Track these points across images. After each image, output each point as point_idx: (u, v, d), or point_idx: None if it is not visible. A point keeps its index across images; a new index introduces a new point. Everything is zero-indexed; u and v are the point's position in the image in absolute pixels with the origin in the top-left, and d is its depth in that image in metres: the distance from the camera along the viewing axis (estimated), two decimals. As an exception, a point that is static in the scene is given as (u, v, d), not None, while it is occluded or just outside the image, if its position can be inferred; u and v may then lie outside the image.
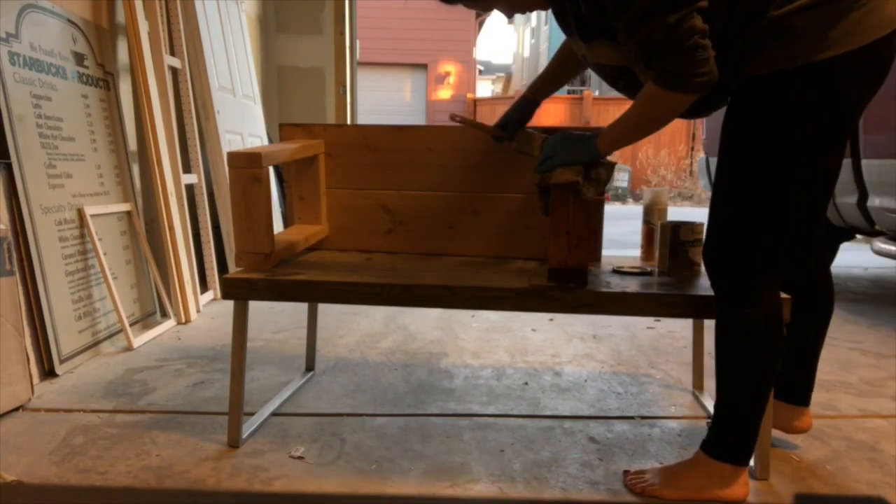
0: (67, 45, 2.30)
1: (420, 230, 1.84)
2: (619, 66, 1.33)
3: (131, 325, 2.43)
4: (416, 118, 14.61)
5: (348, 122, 4.79)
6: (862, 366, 2.25)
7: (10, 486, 1.38)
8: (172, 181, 2.72)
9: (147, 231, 2.73)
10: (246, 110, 3.57)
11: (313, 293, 1.52)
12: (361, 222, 1.87)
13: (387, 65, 14.36)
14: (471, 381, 2.06)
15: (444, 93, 14.63)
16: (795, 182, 1.23)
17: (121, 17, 2.66)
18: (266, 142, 3.88)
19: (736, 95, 1.27)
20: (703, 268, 1.58)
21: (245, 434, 1.61)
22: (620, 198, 11.59)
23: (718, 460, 1.34)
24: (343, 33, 4.56)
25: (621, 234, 6.22)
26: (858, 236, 3.35)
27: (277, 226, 3.19)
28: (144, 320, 2.57)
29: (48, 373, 2.02)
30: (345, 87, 4.63)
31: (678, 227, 1.61)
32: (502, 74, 26.22)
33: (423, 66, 14.65)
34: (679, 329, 2.69)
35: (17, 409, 1.76)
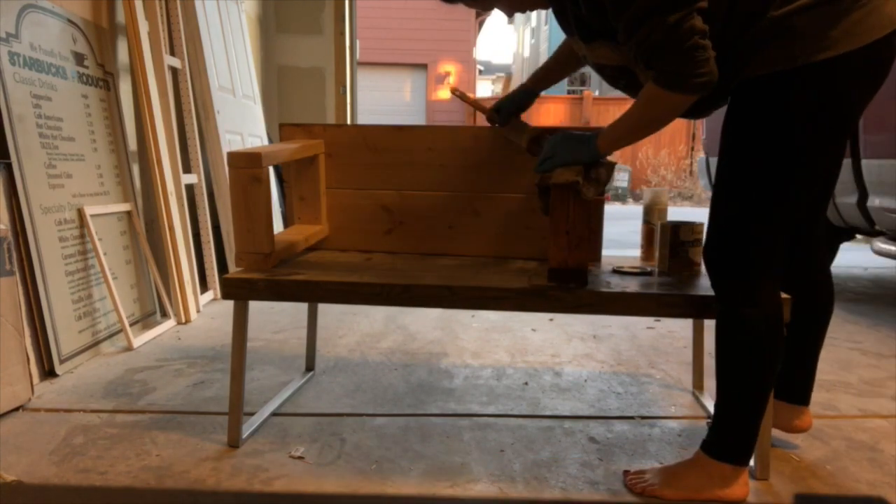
0: (67, 45, 2.30)
1: (420, 230, 1.84)
2: (619, 67, 1.33)
3: (131, 325, 2.43)
4: (416, 118, 14.60)
5: (348, 122, 4.79)
6: (862, 366, 2.25)
7: (10, 486, 1.38)
8: (172, 181, 2.72)
9: (147, 231, 2.73)
10: (246, 110, 3.58)
11: (313, 293, 1.52)
12: (361, 222, 1.87)
13: (387, 65, 14.35)
14: (471, 381, 2.06)
15: (444, 93, 14.62)
16: (795, 182, 1.23)
17: (121, 17, 2.66)
18: (266, 142, 3.88)
19: (736, 95, 1.27)
20: (703, 268, 1.58)
21: (245, 434, 1.61)
22: (620, 198, 11.59)
23: (718, 460, 1.34)
24: (343, 33, 4.56)
25: (621, 234, 6.22)
26: (858, 236, 3.35)
27: (277, 226, 3.19)
28: (144, 320, 2.57)
29: (48, 373, 2.02)
30: (345, 87, 4.63)
31: (678, 227, 1.61)
32: (502, 74, 26.22)
33: (423, 66, 14.64)
34: (679, 329, 2.69)
35: (17, 409, 1.76)
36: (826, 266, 1.55)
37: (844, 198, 2.84)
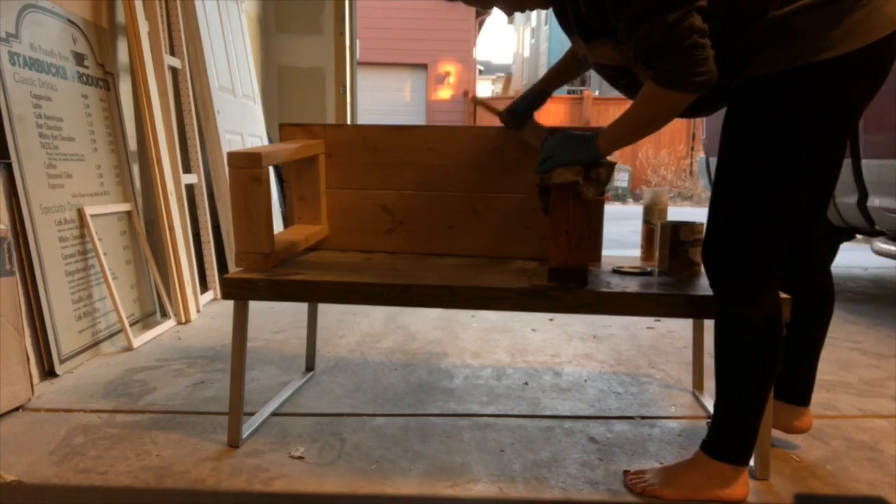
0: (67, 45, 2.30)
1: (420, 230, 1.84)
2: (619, 66, 1.33)
3: (131, 325, 2.43)
4: (416, 118, 14.60)
5: (348, 122, 4.79)
6: (862, 366, 2.25)
7: (10, 486, 1.38)
8: (172, 181, 2.72)
9: (147, 231, 2.73)
10: (246, 110, 3.58)
11: (313, 293, 1.52)
12: (361, 222, 1.87)
13: (387, 65, 14.35)
14: (471, 381, 2.06)
15: (444, 93, 14.63)
16: (795, 182, 1.23)
17: (121, 17, 2.66)
18: (266, 142, 3.88)
19: (736, 95, 1.27)
20: (703, 268, 1.58)
21: (245, 434, 1.61)
22: (620, 198, 11.59)
23: (718, 460, 1.34)
24: (343, 33, 4.56)
25: (621, 234, 6.22)
26: (858, 236, 3.35)
27: (277, 226, 3.19)
28: (144, 320, 2.57)
29: (48, 373, 2.02)
30: (345, 87, 4.63)
31: (678, 227, 1.61)
32: (502, 74, 26.22)
33: (423, 66, 14.64)
34: (679, 329, 2.69)
35: (17, 409, 1.76)
36: (826, 266, 1.55)
37: (844, 198, 2.84)
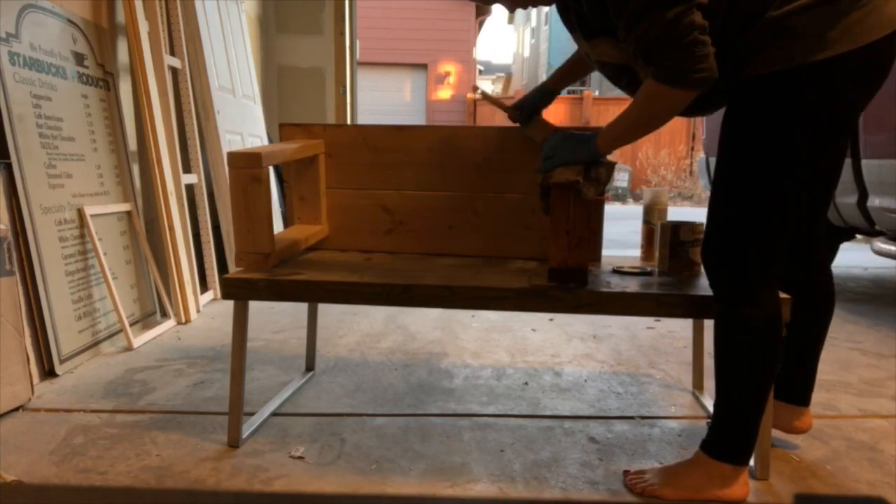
0: (67, 45, 2.30)
1: (420, 230, 1.84)
2: (620, 65, 1.33)
3: (131, 325, 2.43)
4: (416, 118, 14.61)
5: (348, 122, 4.79)
6: (862, 366, 2.25)
7: (10, 486, 1.38)
8: (172, 181, 2.72)
9: (147, 231, 2.73)
10: (246, 110, 3.58)
11: (313, 293, 1.52)
12: (361, 222, 1.87)
13: (387, 65, 14.35)
14: (471, 381, 2.06)
15: (444, 93, 14.63)
16: (795, 182, 1.23)
17: (121, 17, 2.66)
18: (266, 142, 3.88)
19: (735, 95, 1.27)
20: (702, 268, 1.58)
21: (245, 434, 1.61)
22: (620, 198, 11.59)
23: (718, 460, 1.34)
24: (343, 33, 4.56)
25: (621, 234, 6.22)
26: (858, 236, 3.35)
27: (277, 226, 3.19)
28: (144, 320, 2.57)
29: (48, 373, 2.02)
30: (345, 87, 4.63)
31: (678, 227, 1.61)
32: (502, 74, 26.22)
33: (423, 66, 14.64)
34: (679, 329, 2.69)
35: (17, 409, 1.76)
36: (826, 266, 1.55)
37: (844, 198, 2.84)
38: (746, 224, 1.26)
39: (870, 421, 1.78)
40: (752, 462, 1.40)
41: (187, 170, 2.96)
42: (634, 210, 9.39)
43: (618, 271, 1.64)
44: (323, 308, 2.91)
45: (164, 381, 2.02)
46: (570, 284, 1.45)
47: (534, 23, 22.36)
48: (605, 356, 2.33)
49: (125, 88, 2.71)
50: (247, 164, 1.49)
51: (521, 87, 21.13)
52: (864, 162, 2.70)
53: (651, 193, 1.79)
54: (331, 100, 4.60)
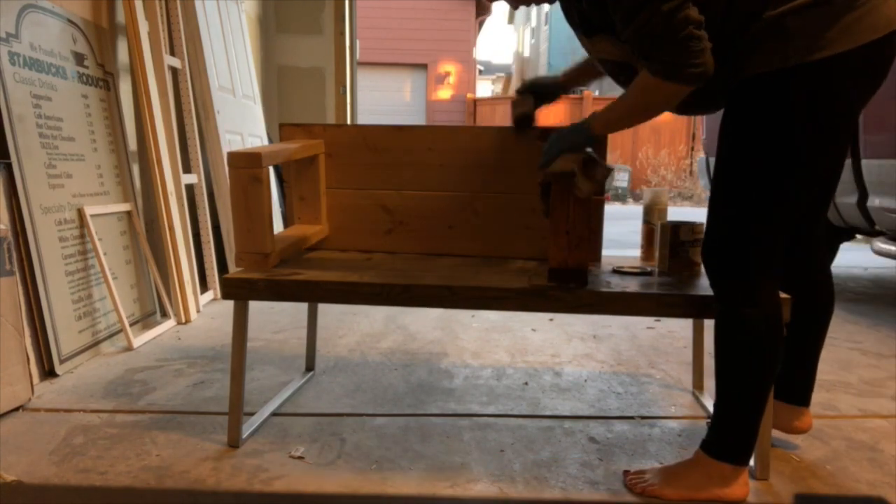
0: (67, 45, 2.30)
1: (420, 230, 1.84)
2: (619, 62, 1.34)
3: (131, 325, 2.43)
4: (416, 118, 14.61)
5: (348, 122, 4.79)
6: (862, 366, 2.25)
7: (10, 486, 1.38)
8: (172, 181, 2.72)
9: (147, 231, 2.73)
10: (246, 110, 3.58)
11: (313, 293, 1.52)
12: (361, 222, 1.87)
13: (387, 65, 14.35)
14: (471, 381, 2.06)
15: (444, 93, 14.63)
16: (794, 181, 1.23)
17: (121, 17, 2.66)
18: (266, 142, 3.88)
19: (734, 95, 1.27)
20: (703, 268, 1.58)
21: (245, 434, 1.61)
22: (620, 198, 11.59)
23: (718, 460, 1.34)
24: (343, 33, 4.56)
25: (621, 234, 6.22)
26: (858, 236, 3.35)
27: (277, 226, 3.19)
28: (144, 320, 2.57)
29: (48, 373, 2.02)
30: (345, 87, 4.63)
31: (678, 227, 1.61)
32: (502, 74, 26.21)
33: (423, 66, 14.64)
34: (679, 329, 2.69)
35: (17, 409, 1.76)
36: (826, 266, 1.55)
37: (844, 198, 2.84)
38: (746, 224, 1.26)
39: (870, 421, 1.78)
40: (752, 462, 1.40)
41: (187, 170, 2.96)
42: (634, 210, 9.39)
43: (618, 271, 1.64)
44: (323, 308, 2.91)
45: (164, 381, 2.02)
46: (570, 284, 1.45)
47: (534, 23, 22.36)
48: (605, 356, 2.33)
49: (125, 88, 2.71)
50: (247, 164, 1.49)
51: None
52: (864, 162, 2.70)
53: (651, 193, 1.79)
54: (331, 100, 4.60)
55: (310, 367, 2.12)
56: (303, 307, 2.87)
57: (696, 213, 8.41)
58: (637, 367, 2.22)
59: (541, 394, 1.95)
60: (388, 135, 1.82)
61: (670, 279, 1.57)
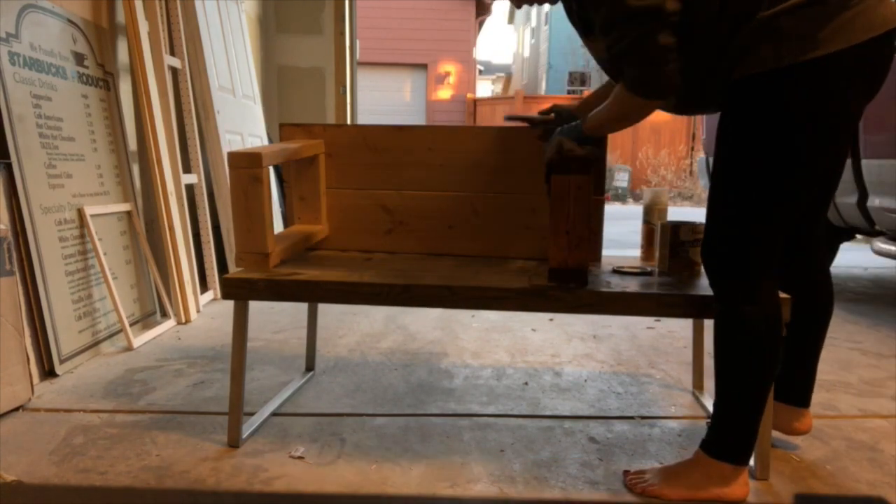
0: (67, 45, 2.30)
1: (420, 230, 1.84)
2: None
3: (131, 325, 2.43)
4: (416, 118, 14.61)
5: (348, 122, 4.79)
6: (862, 366, 2.25)
7: (10, 486, 1.38)
8: (172, 181, 2.72)
9: (147, 231, 2.73)
10: (246, 110, 3.58)
11: (313, 293, 1.52)
12: (361, 222, 1.87)
13: (387, 65, 14.35)
14: (471, 381, 2.06)
15: (444, 93, 14.63)
16: (793, 181, 1.23)
17: (121, 17, 2.66)
18: (266, 142, 3.88)
19: (731, 95, 1.27)
20: (702, 268, 1.58)
21: (245, 434, 1.61)
22: (620, 198, 11.59)
23: (718, 460, 1.34)
24: (343, 33, 4.56)
25: (621, 234, 6.22)
26: (858, 236, 3.35)
27: (277, 226, 3.19)
28: (144, 320, 2.57)
29: (48, 373, 2.02)
30: (345, 87, 4.63)
31: (678, 227, 1.61)
32: (502, 74, 26.23)
33: (423, 66, 14.64)
34: (679, 329, 2.69)
35: (17, 409, 1.76)
36: (826, 266, 1.55)
37: (844, 198, 2.84)
38: (746, 224, 1.26)
39: (870, 421, 1.78)
40: (752, 462, 1.40)
41: (187, 170, 2.96)
42: (634, 210, 9.39)
43: (618, 271, 1.64)
44: (323, 308, 2.91)
45: (164, 381, 2.02)
46: (570, 284, 1.45)
47: (534, 23, 22.35)
48: (605, 356, 2.33)
49: (125, 88, 2.71)
50: (247, 164, 1.49)
51: (521, 86, 21.11)
52: (864, 162, 2.70)
53: (651, 193, 1.79)
54: (331, 100, 4.60)
55: (310, 367, 2.12)
56: (303, 307, 2.87)
57: (696, 213, 8.41)
58: (637, 367, 2.22)
59: (541, 394, 1.95)
60: (388, 135, 1.82)
61: (670, 279, 1.57)
